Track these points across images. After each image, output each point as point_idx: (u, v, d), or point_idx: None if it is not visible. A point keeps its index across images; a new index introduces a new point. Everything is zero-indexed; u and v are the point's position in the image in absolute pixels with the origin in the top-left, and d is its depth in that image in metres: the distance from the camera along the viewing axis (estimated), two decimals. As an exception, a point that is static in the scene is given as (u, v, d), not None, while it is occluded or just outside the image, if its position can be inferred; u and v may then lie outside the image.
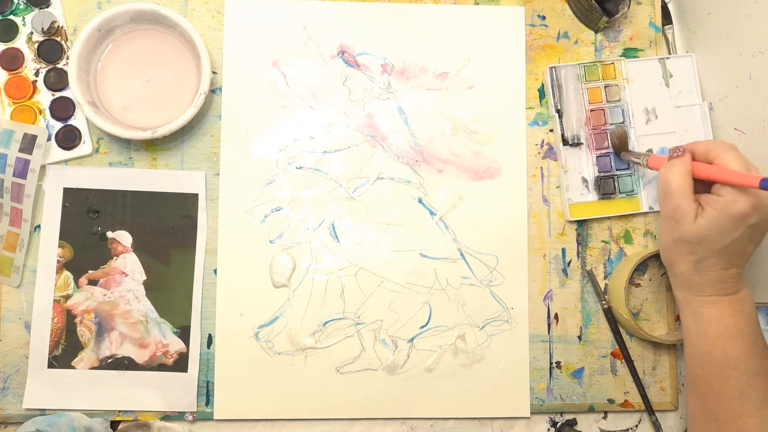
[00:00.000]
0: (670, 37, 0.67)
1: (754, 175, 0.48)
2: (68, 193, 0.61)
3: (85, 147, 0.61)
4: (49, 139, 0.60)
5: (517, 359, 0.62)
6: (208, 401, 0.60)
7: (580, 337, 0.63)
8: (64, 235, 0.60)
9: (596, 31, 0.66)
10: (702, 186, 0.52)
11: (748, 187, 0.48)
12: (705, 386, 0.52)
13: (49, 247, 0.60)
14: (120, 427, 0.59)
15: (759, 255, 0.61)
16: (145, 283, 0.60)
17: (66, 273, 0.60)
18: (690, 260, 0.52)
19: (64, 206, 0.60)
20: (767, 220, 0.50)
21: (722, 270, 0.51)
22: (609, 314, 0.63)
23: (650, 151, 0.64)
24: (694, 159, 0.53)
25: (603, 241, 0.64)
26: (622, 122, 0.64)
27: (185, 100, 0.60)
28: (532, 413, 0.62)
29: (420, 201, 0.63)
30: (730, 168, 0.50)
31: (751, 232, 0.50)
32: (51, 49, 0.61)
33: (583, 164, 0.64)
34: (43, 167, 0.60)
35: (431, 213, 0.63)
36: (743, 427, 0.49)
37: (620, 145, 0.62)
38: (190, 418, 0.60)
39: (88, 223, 0.61)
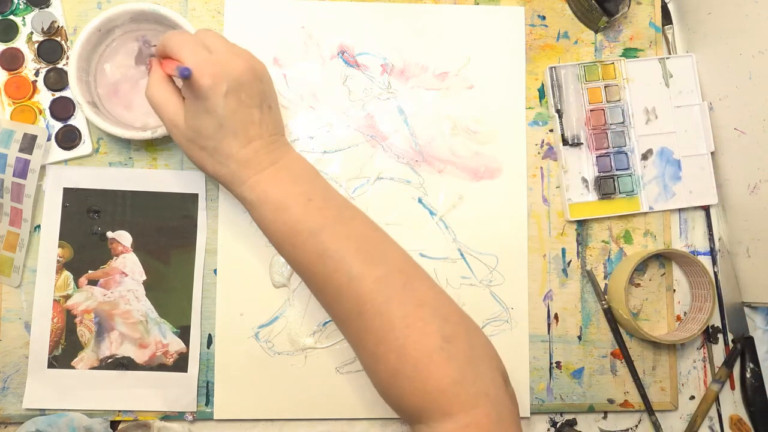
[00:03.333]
0: (670, 37, 0.67)
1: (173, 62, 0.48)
2: (68, 193, 0.60)
3: (85, 147, 0.61)
4: (49, 139, 0.60)
5: (517, 359, 0.62)
6: (208, 401, 0.60)
7: (580, 337, 0.63)
8: (64, 235, 0.60)
9: (596, 31, 0.66)
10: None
11: (175, 74, 0.47)
12: (295, 264, 0.49)
13: (49, 247, 0.60)
14: (120, 427, 0.59)
15: (759, 255, 0.61)
16: (145, 283, 0.60)
17: (66, 273, 0.60)
18: (205, 155, 0.49)
19: (64, 206, 0.60)
20: (243, 82, 0.48)
21: (240, 148, 0.48)
22: (609, 314, 0.63)
23: (649, 151, 0.64)
24: (165, 59, 0.50)
25: (603, 241, 0.64)
26: (622, 122, 0.64)
27: (185, 100, 0.60)
28: (532, 413, 0.62)
29: (420, 201, 0.63)
30: (176, 57, 0.48)
31: (237, 99, 0.47)
32: (51, 49, 0.61)
33: (583, 164, 0.64)
34: (43, 167, 0.60)
35: (431, 213, 0.63)
36: (336, 285, 0.47)
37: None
38: (190, 418, 0.60)
39: (88, 223, 0.60)
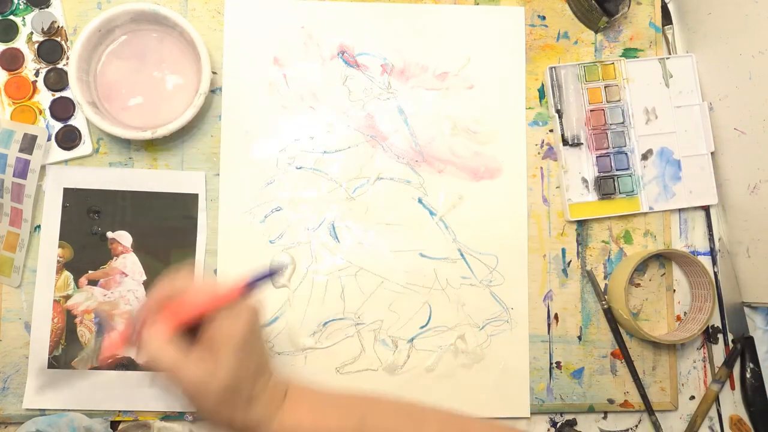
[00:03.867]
0: (670, 37, 0.67)
1: (233, 286, 0.42)
2: (68, 193, 0.60)
3: (85, 147, 0.61)
4: (49, 139, 0.60)
5: (517, 359, 0.62)
6: (208, 401, 0.60)
7: (580, 337, 0.63)
8: (64, 235, 0.60)
9: (596, 31, 0.66)
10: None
11: (233, 299, 0.42)
12: None
13: (49, 247, 0.60)
14: (120, 427, 0.59)
15: (759, 255, 0.61)
16: (145, 283, 0.60)
17: (66, 273, 0.60)
18: (237, 412, 0.42)
19: (64, 206, 0.60)
20: (255, 321, 0.43)
21: (265, 386, 0.44)
22: (609, 314, 0.63)
23: (649, 151, 0.64)
24: (167, 311, 0.43)
25: (603, 241, 0.64)
26: (622, 122, 0.64)
27: (185, 100, 0.60)
28: (532, 413, 0.62)
29: (420, 201, 0.63)
30: (201, 297, 0.42)
31: (261, 334, 0.44)
32: (51, 49, 0.61)
33: (583, 164, 0.64)
34: (43, 167, 0.60)
35: (431, 213, 0.63)
36: None
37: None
38: (190, 418, 0.60)
39: (88, 223, 0.60)
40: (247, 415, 0.43)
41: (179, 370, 0.41)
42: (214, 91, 0.62)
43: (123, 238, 0.60)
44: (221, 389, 0.41)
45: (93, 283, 0.60)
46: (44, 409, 0.59)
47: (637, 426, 0.64)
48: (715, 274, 0.65)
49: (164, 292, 0.44)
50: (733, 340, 0.65)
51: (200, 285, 0.44)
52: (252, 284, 0.43)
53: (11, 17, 0.61)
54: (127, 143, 0.62)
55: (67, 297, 0.60)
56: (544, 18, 0.65)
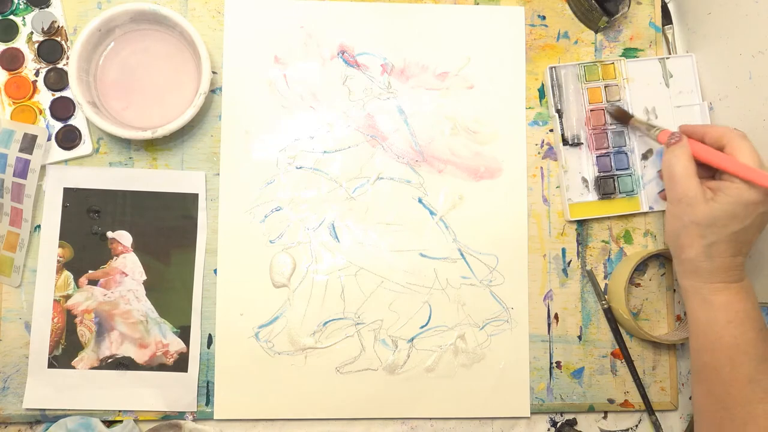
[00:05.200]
0: (670, 37, 0.67)
1: (765, 173, 0.49)
2: (68, 193, 0.61)
3: (85, 147, 0.61)
4: (49, 139, 0.60)
5: (517, 359, 0.62)
6: (208, 401, 0.60)
7: (580, 337, 0.63)
8: (64, 235, 0.60)
9: (596, 31, 0.66)
10: (705, 171, 0.54)
11: (757, 184, 0.50)
12: (713, 374, 0.51)
13: (49, 247, 0.60)
14: (152, 426, 0.59)
15: (759, 255, 0.61)
16: (145, 283, 0.60)
17: (66, 273, 0.60)
18: (700, 244, 0.52)
19: (64, 206, 0.60)
20: (760, 213, 0.51)
21: (730, 257, 0.52)
22: (609, 314, 0.63)
23: (649, 151, 0.64)
24: (704, 143, 0.54)
25: (603, 241, 0.64)
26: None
27: (185, 100, 0.60)
28: (532, 413, 0.62)
29: (420, 201, 0.63)
30: (739, 160, 0.51)
31: (760, 220, 0.51)
32: (51, 49, 0.61)
33: (583, 164, 0.64)
34: (43, 167, 0.60)
35: (431, 213, 0.63)
36: (753, 413, 0.49)
37: (624, 116, 0.62)
38: (190, 418, 0.60)
39: (88, 223, 0.61)
40: (696, 259, 0.52)
41: (679, 178, 0.52)
42: (214, 91, 0.62)
43: (123, 237, 0.60)
44: (695, 219, 0.51)
45: (93, 282, 0.60)
46: (44, 409, 0.59)
47: (637, 426, 0.64)
48: (715, 274, 0.65)
49: (719, 132, 0.54)
50: (733, 340, 0.65)
51: (745, 150, 0.52)
52: None
53: (11, 17, 0.61)
54: (127, 143, 0.62)
55: (67, 297, 0.60)
56: (544, 18, 0.65)
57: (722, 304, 0.52)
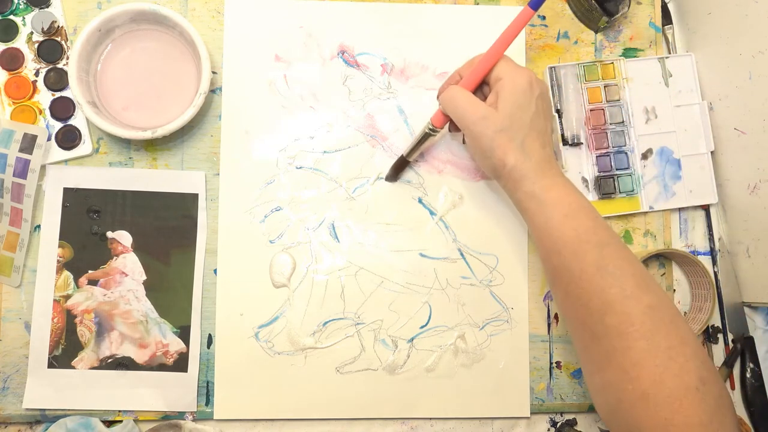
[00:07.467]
0: (670, 37, 0.67)
1: (499, 47, 0.53)
2: (68, 193, 0.61)
3: (85, 147, 0.61)
4: (49, 139, 0.60)
5: (517, 359, 0.62)
6: (208, 401, 0.60)
7: (580, 337, 0.63)
8: (64, 235, 0.60)
9: (596, 31, 0.66)
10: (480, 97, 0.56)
11: (500, 55, 0.54)
12: (566, 274, 0.50)
13: (49, 247, 0.60)
14: (152, 426, 0.59)
15: (759, 255, 0.61)
16: (145, 283, 0.60)
17: (66, 273, 0.60)
18: (514, 147, 0.52)
19: (64, 206, 0.60)
20: (545, 92, 0.54)
21: (541, 149, 0.53)
22: (609, 314, 0.63)
23: (649, 151, 0.64)
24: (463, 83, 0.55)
25: (603, 241, 0.64)
26: (622, 122, 0.64)
27: (185, 100, 0.60)
28: (532, 413, 0.62)
29: (420, 201, 0.63)
30: (478, 60, 0.54)
31: (542, 105, 0.53)
32: (51, 49, 0.61)
33: (583, 164, 0.64)
34: (43, 167, 0.60)
35: (431, 213, 0.63)
36: (607, 300, 0.48)
37: (401, 164, 0.61)
38: (190, 418, 0.60)
39: (88, 223, 0.61)
40: (517, 164, 0.52)
41: (462, 104, 0.53)
42: (214, 91, 0.62)
43: (123, 237, 0.60)
44: (497, 127, 0.52)
45: (93, 282, 0.60)
46: (44, 409, 0.59)
47: (637, 426, 0.64)
48: (715, 274, 0.65)
49: (464, 68, 0.56)
50: (733, 340, 0.65)
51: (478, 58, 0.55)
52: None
53: (11, 17, 0.61)
54: (127, 143, 0.62)
55: (67, 297, 0.60)
56: (544, 18, 0.65)
57: (555, 199, 0.51)
